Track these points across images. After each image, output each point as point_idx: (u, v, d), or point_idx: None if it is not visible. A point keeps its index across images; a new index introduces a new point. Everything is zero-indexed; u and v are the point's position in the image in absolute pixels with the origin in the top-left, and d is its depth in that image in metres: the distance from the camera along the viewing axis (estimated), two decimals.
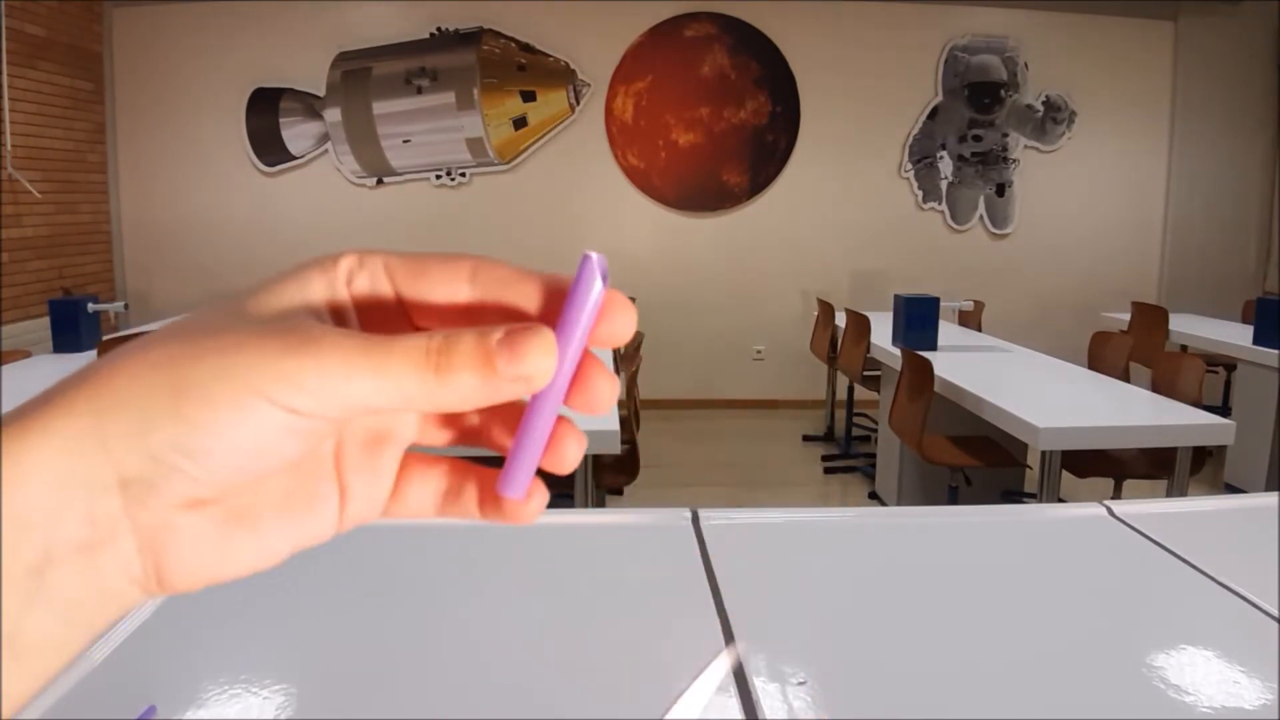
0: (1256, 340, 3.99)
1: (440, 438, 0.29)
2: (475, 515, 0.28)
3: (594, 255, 0.25)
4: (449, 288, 0.25)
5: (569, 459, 0.26)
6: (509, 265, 0.26)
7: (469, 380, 0.23)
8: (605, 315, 0.25)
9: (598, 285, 0.25)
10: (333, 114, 5.56)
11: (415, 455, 0.29)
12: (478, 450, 0.29)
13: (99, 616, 0.23)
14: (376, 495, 0.28)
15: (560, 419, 0.26)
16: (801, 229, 5.85)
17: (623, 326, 0.26)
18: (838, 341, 4.65)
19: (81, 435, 0.21)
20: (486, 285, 0.25)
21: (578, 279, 0.25)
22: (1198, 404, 2.85)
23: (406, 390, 0.23)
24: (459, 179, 5.68)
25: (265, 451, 0.23)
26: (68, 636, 0.22)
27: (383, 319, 0.26)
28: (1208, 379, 3.50)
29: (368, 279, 0.25)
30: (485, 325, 0.25)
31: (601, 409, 0.26)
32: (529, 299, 0.26)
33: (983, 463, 3.02)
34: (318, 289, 0.25)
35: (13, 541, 0.21)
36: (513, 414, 0.27)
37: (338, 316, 0.25)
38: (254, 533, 0.24)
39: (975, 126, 5.83)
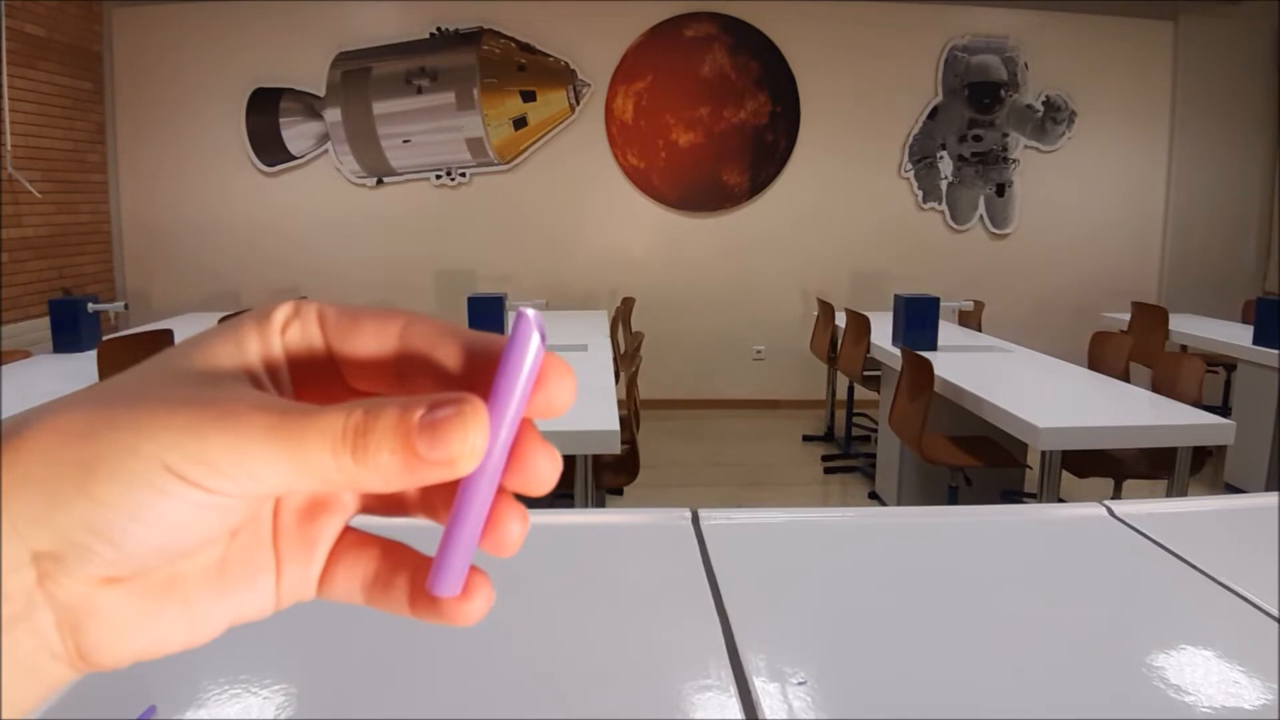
0: (1256, 340, 3.99)
1: (384, 509, 0.27)
2: (405, 611, 0.26)
3: (530, 312, 0.23)
4: (379, 342, 0.24)
5: (510, 540, 0.25)
6: (441, 323, 0.25)
7: (389, 463, 0.21)
8: (541, 382, 0.23)
9: (534, 348, 0.22)
10: (333, 114, 5.56)
11: (350, 532, 0.27)
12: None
13: (21, 694, 0.21)
14: (310, 572, 0.26)
15: (501, 493, 0.24)
16: (801, 229, 5.85)
17: (560, 396, 0.23)
18: (838, 341, 4.65)
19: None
20: (416, 343, 0.24)
21: (512, 340, 0.23)
22: (1198, 404, 2.85)
23: (323, 472, 0.21)
24: (459, 179, 5.68)
25: (180, 528, 0.22)
26: None
27: (316, 372, 0.25)
28: (1208, 379, 3.50)
29: (300, 331, 0.24)
30: (416, 386, 0.24)
31: (540, 489, 0.24)
32: (456, 359, 0.24)
33: (983, 463, 3.02)
34: (253, 346, 0.24)
35: None
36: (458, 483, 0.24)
37: (272, 371, 0.24)
38: (184, 608, 0.23)
39: (975, 126, 5.83)
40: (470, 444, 0.21)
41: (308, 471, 0.21)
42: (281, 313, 0.24)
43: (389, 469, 0.21)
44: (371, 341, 0.24)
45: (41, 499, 0.20)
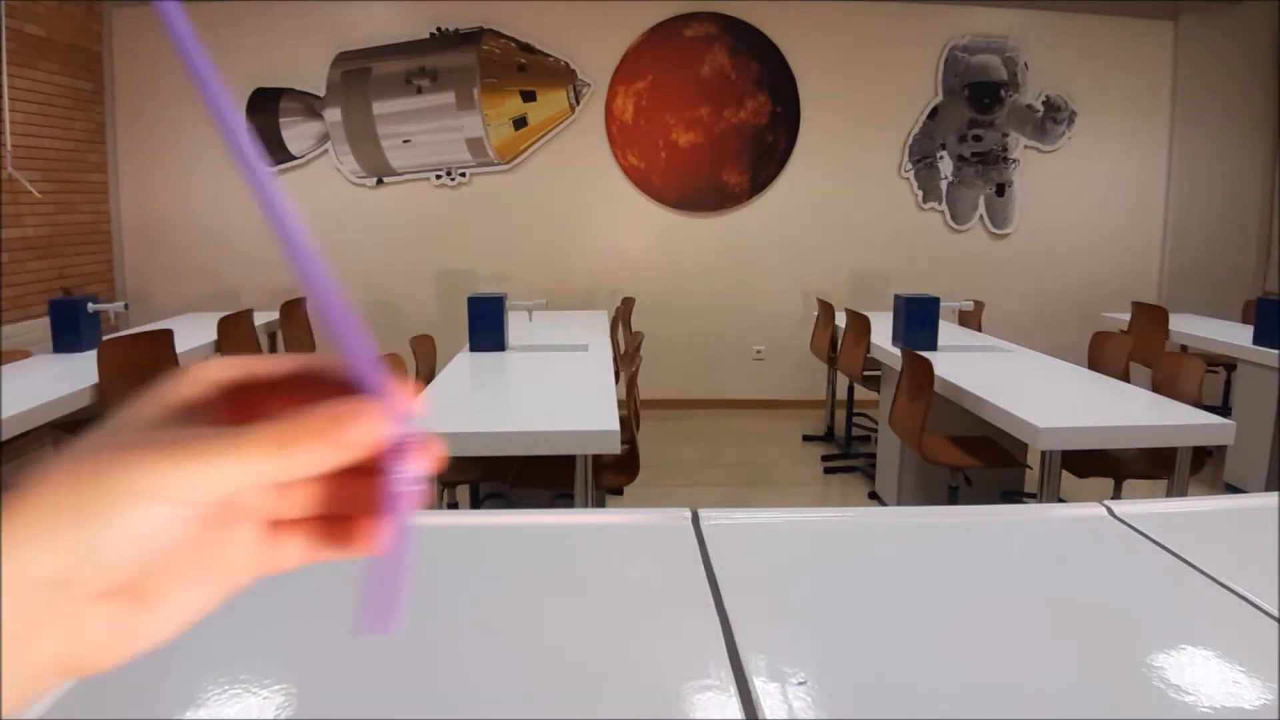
0: (1256, 340, 3.99)
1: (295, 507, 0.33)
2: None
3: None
4: (280, 365, 0.32)
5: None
6: (321, 361, 0.32)
7: (311, 450, 0.29)
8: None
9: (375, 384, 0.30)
10: (333, 114, 5.56)
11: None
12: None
13: (18, 698, 0.26)
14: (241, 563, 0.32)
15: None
16: (801, 229, 5.85)
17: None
18: (838, 341, 4.65)
19: (11, 543, 0.25)
20: (310, 365, 0.32)
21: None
22: (1198, 404, 2.85)
23: (262, 468, 0.28)
24: (459, 179, 5.68)
25: (158, 540, 0.27)
26: None
27: (234, 405, 0.32)
28: (1208, 379, 3.49)
29: (217, 372, 0.32)
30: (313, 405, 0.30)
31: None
32: (339, 377, 0.31)
33: (983, 463, 3.02)
34: (189, 391, 0.31)
35: None
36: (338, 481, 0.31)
37: (208, 409, 0.31)
38: (161, 609, 0.29)
39: (975, 126, 5.83)
40: (369, 430, 0.29)
41: (252, 468, 0.28)
42: (205, 369, 0.32)
43: (311, 454, 0.29)
44: (275, 365, 0.32)
45: (46, 528, 0.25)
